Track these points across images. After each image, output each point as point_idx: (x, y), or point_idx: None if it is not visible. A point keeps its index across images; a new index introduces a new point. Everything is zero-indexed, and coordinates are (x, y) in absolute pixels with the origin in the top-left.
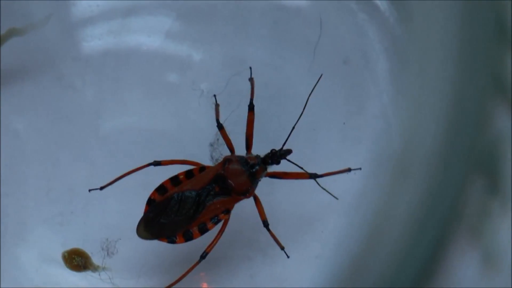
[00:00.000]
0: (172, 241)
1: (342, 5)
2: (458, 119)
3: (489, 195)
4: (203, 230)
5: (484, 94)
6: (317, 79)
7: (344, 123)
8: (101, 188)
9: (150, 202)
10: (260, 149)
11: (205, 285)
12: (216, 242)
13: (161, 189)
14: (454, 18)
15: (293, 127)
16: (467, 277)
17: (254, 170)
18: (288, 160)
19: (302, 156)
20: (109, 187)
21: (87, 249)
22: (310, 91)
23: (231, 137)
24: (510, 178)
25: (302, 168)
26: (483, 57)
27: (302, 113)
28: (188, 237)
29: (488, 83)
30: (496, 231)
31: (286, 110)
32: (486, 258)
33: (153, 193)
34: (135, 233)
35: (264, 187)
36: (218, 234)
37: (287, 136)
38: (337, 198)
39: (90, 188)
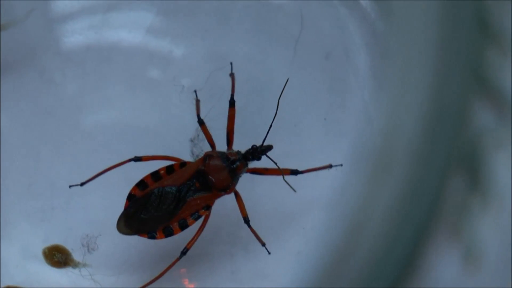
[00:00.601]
0: (152, 236)
1: (323, 0)
2: (438, 115)
3: (469, 191)
4: (183, 226)
5: (465, 90)
6: (286, 81)
7: (325, 119)
8: (82, 184)
9: (130, 197)
10: (241, 144)
11: (186, 281)
12: (197, 238)
13: (141, 184)
14: (434, 12)
15: (270, 125)
16: (448, 274)
17: (234, 166)
18: (268, 157)
19: (283, 151)
20: (91, 182)
21: (69, 245)
22: (283, 89)
23: (212, 132)
24: (490, 175)
25: (277, 166)
26: (464, 52)
27: (275, 114)
28: (168, 233)
29: (469, 79)
30: (476, 228)
31: (268, 105)
32: (466, 255)
33: (133, 188)
34: (116, 228)
35: (245, 182)
36: (198, 230)
37: (267, 132)
38: (295, 191)
39: (71, 184)
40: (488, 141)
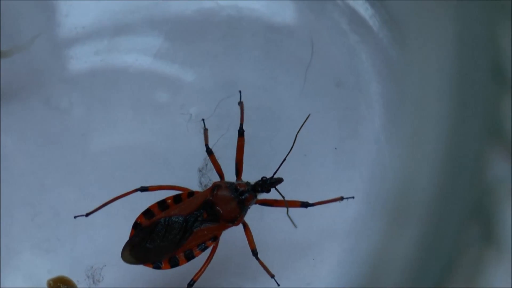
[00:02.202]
0: (157, 266)
1: (334, 26)
2: (455, 161)
3: (484, 243)
4: (189, 257)
5: (480, 138)
6: (307, 117)
7: (336, 148)
8: (87, 215)
9: (136, 226)
10: (250, 174)
11: None
12: (204, 270)
13: (148, 213)
14: (450, 49)
15: (283, 160)
16: None
17: (243, 197)
18: (276, 190)
19: (293, 181)
20: (96, 212)
21: (74, 276)
22: (303, 125)
23: (220, 162)
24: (504, 227)
25: (284, 200)
26: (480, 97)
27: (291, 149)
28: (173, 264)
29: (485, 127)
30: (491, 280)
31: (278, 134)
32: None
33: (139, 217)
34: (121, 258)
35: (254, 212)
36: (206, 262)
37: (279, 165)
38: (295, 226)
39: (76, 215)
40: (502, 192)
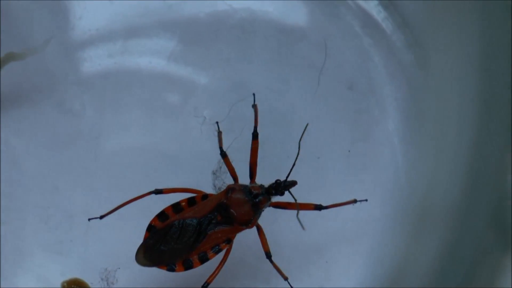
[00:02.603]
0: (171, 269)
1: (347, 29)
2: (476, 168)
3: (503, 251)
4: (203, 259)
5: (503, 143)
6: (305, 126)
7: (349, 151)
8: (101, 217)
9: (150, 228)
10: (264, 177)
11: None
12: (218, 273)
13: (162, 215)
14: (471, 55)
15: (293, 165)
16: None
17: (257, 200)
18: (289, 192)
19: (306, 184)
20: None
21: (87, 279)
22: (303, 133)
23: (234, 165)
24: None
25: (296, 202)
26: (502, 105)
27: (297, 155)
28: (188, 266)
29: (507, 131)
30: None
31: (291, 137)
32: None
33: (154, 220)
34: (135, 261)
35: (268, 214)
36: (219, 264)
37: (291, 167)
38: (304, 229)
39: (90, 217)
40: None
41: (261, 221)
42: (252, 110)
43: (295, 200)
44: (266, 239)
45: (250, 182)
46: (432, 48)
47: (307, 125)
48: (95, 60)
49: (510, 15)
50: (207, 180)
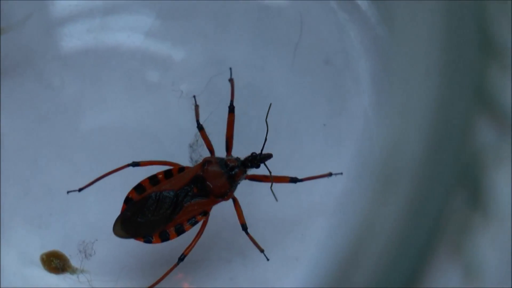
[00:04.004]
0: (148, 240)
1: (323, 5)
2: (441, 129)
3: (470, 209)
4: (179, 231)
5: (468, 105)
6: (269, 106)
7: (324, 125)
8: (80, 190)
9: (127, 200)
10: (240, 151)
11: (184, 287)
12: (194, 244)
13: (139, 188)
14: (437, 22)
15: (265, 140)
16: None
17: (233, 172)
18: (265, 165)
19: (283, 157)
20: (88, 187)
21: (66, 251)
22: (268, 113)
23: (211, 138)
24: (490, 192)
25: (270, 175)
26: (467, 66)
27: (266, 135)
28: (164, 238)
29: (471, 94)
30: (477, 245)
31: (267, 110)
32: (467, 272)
33: (131, 192)
34: (112, 232)
35: (244, 188)
36: (196, 236)
37: (263, 142)
38: (277, 200)
39: (69, 190)
40: (489, 158)
41: (237, 194)
42: (229, 84)
43: (270, 172)
44: (242, 212)
45: (226, 155)
46: (403, 21)
47: (270, 105)
48: (75, 36)
49: None
50: (184, 153)
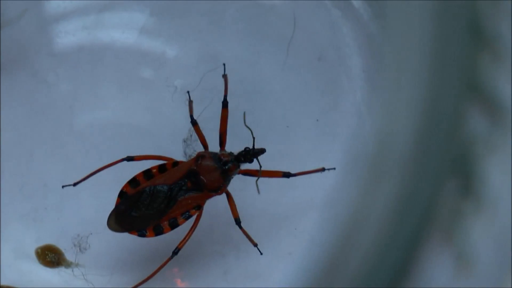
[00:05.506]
0: (142, 234)
1: (316, 1)
2: (432, 119)
3: (462, 196)
4: (173, 225)
5: (459, 95)
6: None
7: (317, 120)
8: (75, 184)
9: (122, 194)
10: (234, 146)
11: (178, 281)
12: (188, 238)
13: (133, 182)
14: (428, 17)
15: (253, 141)
16: (440, 277)
17: (226, 167)
18: (257, 160)
19: (276, 153)
20: (83, 182)
21: (61, 245)
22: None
23: (204, 133)
24: (482, 180)
25: (260, 169)
26: (458, 57)
27: (253, 138)
28: (158, 232)
29: (463, 84)
30: (468, 233)
31: (260, 106)
32: (458, 259)
33: (125, 186)
34: (107, 226)
35: (237, 183)
36: (190, 230)
37: (253, 142)
38: (259, 193)
39: (64, 184)
40: (481, 146)
41: (230, 188)
42: (222, 80)
43: (260, 166)
44: (235, 206)
45: (220, 150)
46: (395, 18)
47: (244, 113)
48: (70, 32)
49: None
50: (178, 148)
